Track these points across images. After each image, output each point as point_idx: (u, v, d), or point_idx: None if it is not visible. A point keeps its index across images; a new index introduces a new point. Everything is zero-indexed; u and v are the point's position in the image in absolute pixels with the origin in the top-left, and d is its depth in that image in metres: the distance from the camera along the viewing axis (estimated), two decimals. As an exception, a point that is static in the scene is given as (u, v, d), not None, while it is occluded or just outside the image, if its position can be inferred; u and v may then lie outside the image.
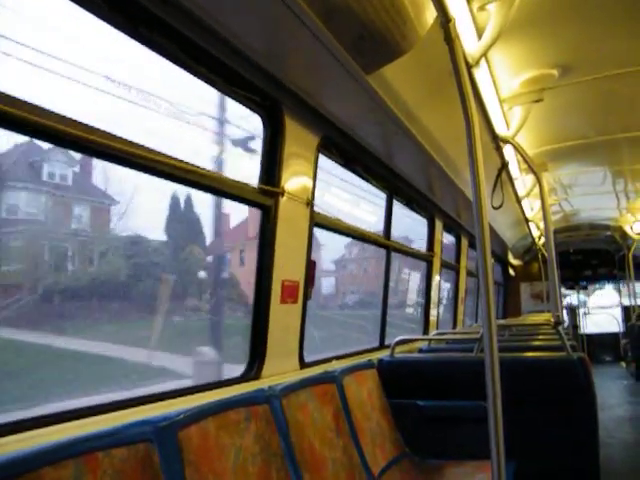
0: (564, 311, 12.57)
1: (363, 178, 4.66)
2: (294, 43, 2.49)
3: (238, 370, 3.04)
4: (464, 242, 8.21)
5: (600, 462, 3.41)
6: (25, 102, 1.78)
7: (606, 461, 3.60)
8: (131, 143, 2.18)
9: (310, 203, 3.38)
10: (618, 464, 5.07)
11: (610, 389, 9.27)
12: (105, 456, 1.70)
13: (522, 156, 4.32)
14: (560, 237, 10.59)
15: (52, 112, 1.86)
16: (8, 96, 1.72)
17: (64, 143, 1.97)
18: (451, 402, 3.76)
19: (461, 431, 3.66)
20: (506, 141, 4.09)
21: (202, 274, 7.57)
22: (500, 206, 3.71)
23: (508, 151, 4.48)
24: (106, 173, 5.70)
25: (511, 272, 13.27)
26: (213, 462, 2.08)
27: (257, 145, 3.12)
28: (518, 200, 6.24)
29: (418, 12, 2.34)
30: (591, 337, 13.30)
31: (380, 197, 5.34)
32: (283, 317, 3.21)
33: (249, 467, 2.27)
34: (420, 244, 6.91)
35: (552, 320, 4.18)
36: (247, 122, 3.07)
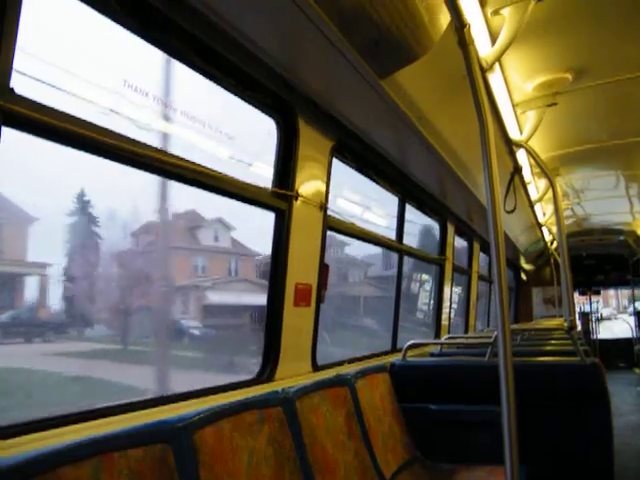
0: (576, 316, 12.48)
1: (375, 182, 4.66)
2: (309, 48, 2.51)
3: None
4: (476, 246, 8.18)
5: (614, 469, 3.38)
6: (52, 109, 1.82)
7: (620, 468, 3.56)
8: (148, 147, 2.21)
9: (324, 207, 3.40)
10: (632, 471, 5.02)
11: (624, 395, 9.18)
12: (122, 456, 1.72)
13: (535, 160, 4.30)
14: (572, 241, 10.52)
15: (72, 116, 1.90)
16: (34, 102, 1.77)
17: (82, 146, 1.99)
18: (463, 406, 3.74)
19: (473, 435, 3.65)
20: (519, 145, 4.09)
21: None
22: (513, 210, 3.70)
23: (521, 155, 4.47)
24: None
25: (523, 277, 13.20)
26: (227, 463, 2.10)
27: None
28: (531, 204, 6.22)
29: (432, 17, 2.35)
30: (604, 343, 13.17)
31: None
32: (296, 320, 3.22)
33: (262, 469, 2.28)
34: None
35: (565, 325, 4.15)
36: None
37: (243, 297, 13.11)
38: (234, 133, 3.37)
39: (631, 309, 26.39)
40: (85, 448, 1.65)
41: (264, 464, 2.30)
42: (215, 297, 12.65)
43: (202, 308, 12.53)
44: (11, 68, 1.66)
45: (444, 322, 6.71)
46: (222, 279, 13.47)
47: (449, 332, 6.83)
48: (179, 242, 12.80)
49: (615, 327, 16.31)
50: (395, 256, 5.36)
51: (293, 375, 3.17)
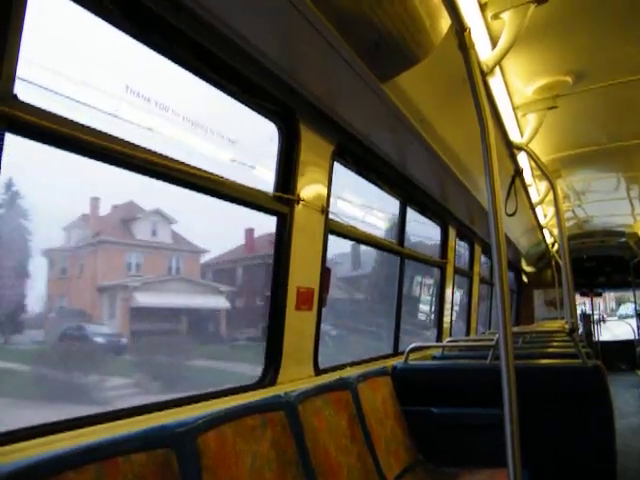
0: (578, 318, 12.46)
1: (377, 185, 4.67)
2: (309, 52, 2.52)
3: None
4: (477, 249, 8.18)
5: (616, 471, 3.38)
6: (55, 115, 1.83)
7: (622, 470, 3.55)
8: (150, 152, 2.21)
9: (325, 210, 3.40)
10: (634, 473, 5.01)
11: (625, 397, 9.16)
12: (125, 461, 1.72)
13: (536, 163, 4.31)
14: (574, 244, 10.52)
15: (75, 122, 1.91)
16: (38, 109, 1.77)
17: (85, 152, 2.00)
18: (465, 409, 3.74)
19: (475, 438, 3.65)
20: (520, 148, 4.09)
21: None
22: (514, 213, 3.70)
23: (522, 158, 4.48)
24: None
25: (524, 279, 13.19)
26: (230, 468, 2.10)
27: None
28: (532, 207, 6.22)
29: (433, 21, 2.36)
30: (606, 345, 13.15)
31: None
32: (298, 324, 3.22)
33: (265, 473, 2.28)
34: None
35: (566, 327, 4.14)
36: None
37: (180, 299, 12.08)
38: (236, 137, 3.38)
39: (619, 312, 26.49)
40: (87, 453, 1.65)
41: (267, 468, 2.30)
42: (144, 299, 11.42)
43: (126, 311, 11.21)
44: (15, 75, 1.67)
45: (446, 325, 6.71)
46: (154, 278, 12.09)
47: (451, 335, 6.83)
48: (106, 236, 11.32)
49: (616, 329, 16.28)
50: (368, 256, 5.35)
51: (295, 379, 3.17)
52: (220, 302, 13.42)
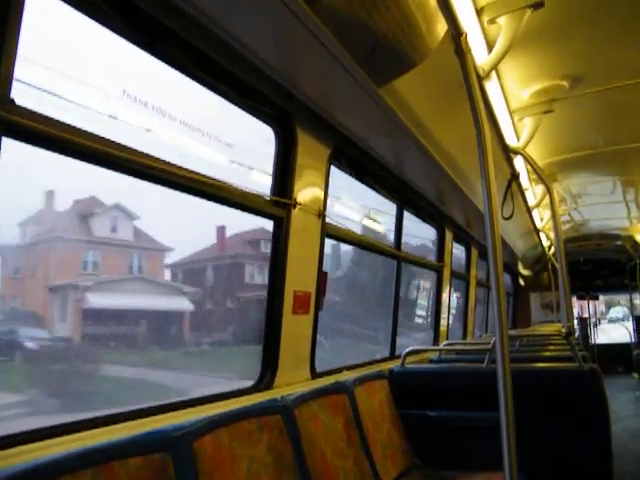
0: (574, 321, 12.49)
1: (374, 189, 4.68)
2: (306, 56, 2.52)
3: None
4: (474, 252, 8.19)
5: (613, 474, 3.38)
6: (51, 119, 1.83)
7: (618, 473, 3.56)
8: (147, 156, 2.21)
9: (322, 214, 3.40)
10: (631, 477, 5.01)
11: (622, 400, 9.17)
12: (121, 465, 1.72)
13: (532, 167, 4.32)
14: (570, 247, 10.54)
15: (72, 126, 1.90)
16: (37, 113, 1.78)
17: (82, 156, 2.00)
18: (462, 413, 3.74)
19: (472, 442, 3.65)
20: (516, 152, 4.10)
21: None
22: (510, 217, 3.71)
23: (518, 162, 4.49)
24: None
25: (521, 282, 13.21)
26: (226, 472, 2.10)
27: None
28: (528, 210, 6.24)
29: (429, 25, 2.37)
30: (602, 348, 13.18)
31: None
32: (295, 327, 3.22)
33: (262, 477, 2.28)
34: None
35: (563, 330, 4.15)
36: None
37: (139, 300, 11.17)
38: (233, 141, 3.38)
39: (610, 315, 26.59)
40: (84, 458, 1.65)
41: (263, 472, 2.29)
42: (98, 300, 10.42)
43: (77, 313, 10.19)
44: (11, 79, 1.66)
45: (443, 328, 6.72)
46: (109, 278, 11.14)
47: (448, 338, 6.83)
48: (61, 233, 10.44)
49: (613, 332, 16.32)
50: (345, 256, 5.35)
51: (292, 382, 3.17)
52: (183, 304, 12.52)
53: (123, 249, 11.67)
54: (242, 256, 15.60)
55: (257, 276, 15.22)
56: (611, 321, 23.15)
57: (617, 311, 28.60)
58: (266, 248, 15.14)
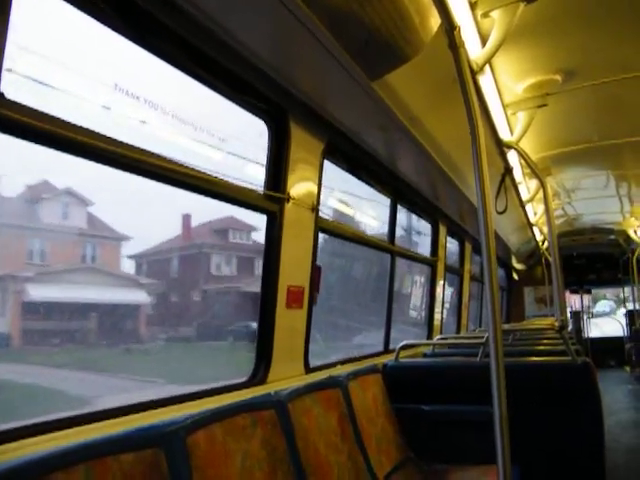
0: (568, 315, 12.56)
1: (367, 183, 4.67)
2: (299, 50, 2.51)
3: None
4: (468, 246, 8.20)
5: (605, 467, 3.41)
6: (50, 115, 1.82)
7: (611, 466, 3.59)
8: (139, 150, 2.20)
9: (315, 209, 3.40)
10: (623, 469, 5.05)
11: (615, 394, 9.24)
12: (114, 461, 1.71)
13: (526, 161, 4.32)
14: (564, 241, 10.58)
15: (64, 120, 1.89)
16: (33, 109, 1.76)
17: (74, 150, 1.98)
18: (456, 407, 3.76)
19: (466, 436, 3.66)
20: (510, 146, 4.10)
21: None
22: (504, 211, 3.72)
23: (512, 156, 4.49)
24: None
25: (515, 276, 13.25)
26: (220, 467, 2.09)
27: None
28: (522, 205, 6.25)
29: (423, 19, 2.36)
30: (595, 341, 13.25)
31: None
32: (289, 322, 3.22)
33: (255, 472, 2.27)
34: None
35: (556, 324, 4.17)
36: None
37: (88, 293, 10.19)
38: (225, 135, 3.36)
39: (596, 309, 26.78)
40: (76, 453, 1.64)
41: (257, 467, 2.29)
42: (42, 292, 9.55)
43: (17, 306, 9.27)
44: (0, 73, 1.64)
45: (436, 322, 6.73)
46: (54, 268, 10.06)
47: (441, 332, 6.85)
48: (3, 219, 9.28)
49: (605, 326, 16.43)
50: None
51: (286, 377, 3.17)
52: (139, 297, 11.58)
53: (74, 237, 10.73)
54: (208, 246, 14.98)
55: (224, 267, 14.42)
56: (597, 315, 23.23)
57: (603, 305, 28.81)
58: (234, 238, 14.92)
